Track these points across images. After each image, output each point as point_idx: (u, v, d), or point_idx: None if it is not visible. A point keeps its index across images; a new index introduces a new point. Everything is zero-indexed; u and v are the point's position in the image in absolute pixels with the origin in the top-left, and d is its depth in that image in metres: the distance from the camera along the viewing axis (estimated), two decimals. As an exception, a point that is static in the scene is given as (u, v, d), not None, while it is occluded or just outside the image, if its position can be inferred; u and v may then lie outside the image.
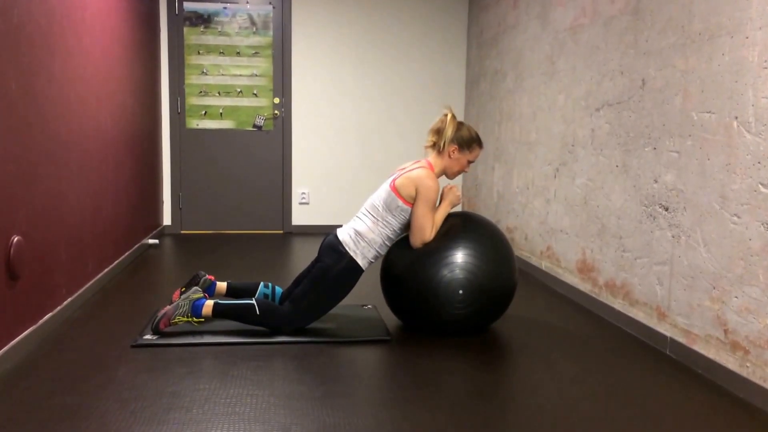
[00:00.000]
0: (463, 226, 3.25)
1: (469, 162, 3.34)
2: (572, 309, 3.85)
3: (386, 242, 3.25)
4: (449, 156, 3.29)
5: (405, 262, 3.23)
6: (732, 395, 2.60)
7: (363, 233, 3.21)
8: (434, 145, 3.32)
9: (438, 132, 3.30)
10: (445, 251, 3.16)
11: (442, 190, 3.35)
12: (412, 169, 3.22)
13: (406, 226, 3.27)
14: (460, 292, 3.12)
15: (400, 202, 3.19)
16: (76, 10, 3.60)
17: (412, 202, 3.19)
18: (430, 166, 3.28)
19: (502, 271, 3.20)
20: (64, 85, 3.40)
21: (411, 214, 3.21)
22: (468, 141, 3.29)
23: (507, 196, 5.26)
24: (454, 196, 3.34)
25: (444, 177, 6.25)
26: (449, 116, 3.30)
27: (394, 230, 3.24)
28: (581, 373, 2.81)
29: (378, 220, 3.22)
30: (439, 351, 3.06)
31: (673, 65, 3.07)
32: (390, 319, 3.56)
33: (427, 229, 3.19)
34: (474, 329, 3.28)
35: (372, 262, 3.25)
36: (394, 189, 3.20)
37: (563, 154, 4.25)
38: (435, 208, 3.22)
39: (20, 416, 2.28)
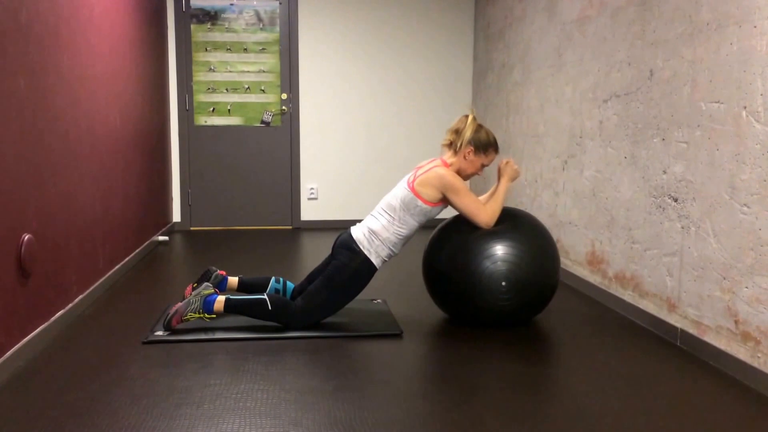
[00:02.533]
0: (506, 220, 3.27)
1: (483, 165, 3.33)
2: (582, 301, 3.84)
3: (401, 241, 3.26)
4: (464, 157, 3.29)
5: (447, 253, 3.24)
6: (743, 386, 2.60)
7: (378, 232, 3.21)
8: (451, 144, 3.32)
9: (457, 132, 3.30)
10: (487, 243, 3.16)
11: (498, 166, 3.36)
12: (430, 169, 3.22)
13: (423, 226, 3.27)
14: (503, 283, 3.12)
15: (419, 202, 3.19)
16: (84, 9, 3.62)
17: (433, 201, 3.20)
18: (445, 164, 3.28)
19: (544, 264, 3.20)
20: (72, 84, 3.42)
21: (456, 209, 3.22)
22: (485, 144, 3.29)
23: (515, 188, 5.25)
24: (512, 170, 3.35)
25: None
26: (470, 117, 3.30)
27: (411, 229, 3.25)
28: (591, 364, 2.81)
29: (394, 219, 3.22)
30: (449, 345, 3.06)
31: (681, 55, 3.06)
32: (400, 313, 3.56)
33: (478, 212, 3.19)
34: (518, 322, 3.30)
35: (386, 260, 3.26)
36: (413, 189, 3.20)
37: (571, 147, 4.23)
38: (469, 192, 3.22)
39: (33, 412, 2.30)
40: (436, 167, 3.22)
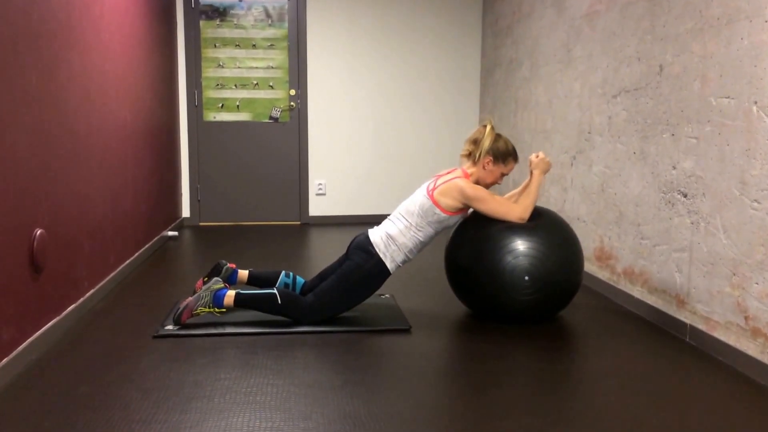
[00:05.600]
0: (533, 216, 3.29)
1: (503, 174, 3.35)
2: (590, 297, 3.84)
3: (417, 247, 3.28)
4: (483, 167, 3.30)
5: (469, 249, 3.24)
6: (753, 382, 2.59)
7: (395, 237, 3.23)
8: (470, 155, 3.34)
9: (475, 142, 3.32)
10: (507, 238, 3.17)
11: (530, 159, 3.38)
12: (450, 180, 3.24)
13: (440, 233, 3.31)
14: (526, 278, 3.13)
15: (438, 210, 3.21)
16: (94, 6, 3.63)
17: (451, 210, 3.22)
18: (466, 175, 3.29)
19: (567, 258, 3.20)
20: (83, 80, 3.44)
21: (486, 214, 3.23)
22: (504, 154, 3.30)
23: (524, 184, 5.24)
24: (545, 163, 3.36)
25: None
26: (488, 128, 3.32)
27: (427, 236, 3.27)
28: (600, 361, 2.81)
29: (412, 225, 3.24)
30: (457, 340, 3.07)
31: (691, 50, 3.05)
32: (408, 309, 3.57)
33: (508, 211, 3.21)
34: (541, 318, 3.30)
35: (400, 266, 3.27)
36: (432, 197, 3.22)
37: (580, 142, 4.23)
38: (493, 196, 3.23)
39: (45, 406, 2.32)
40: (457, 178, 3.23)
